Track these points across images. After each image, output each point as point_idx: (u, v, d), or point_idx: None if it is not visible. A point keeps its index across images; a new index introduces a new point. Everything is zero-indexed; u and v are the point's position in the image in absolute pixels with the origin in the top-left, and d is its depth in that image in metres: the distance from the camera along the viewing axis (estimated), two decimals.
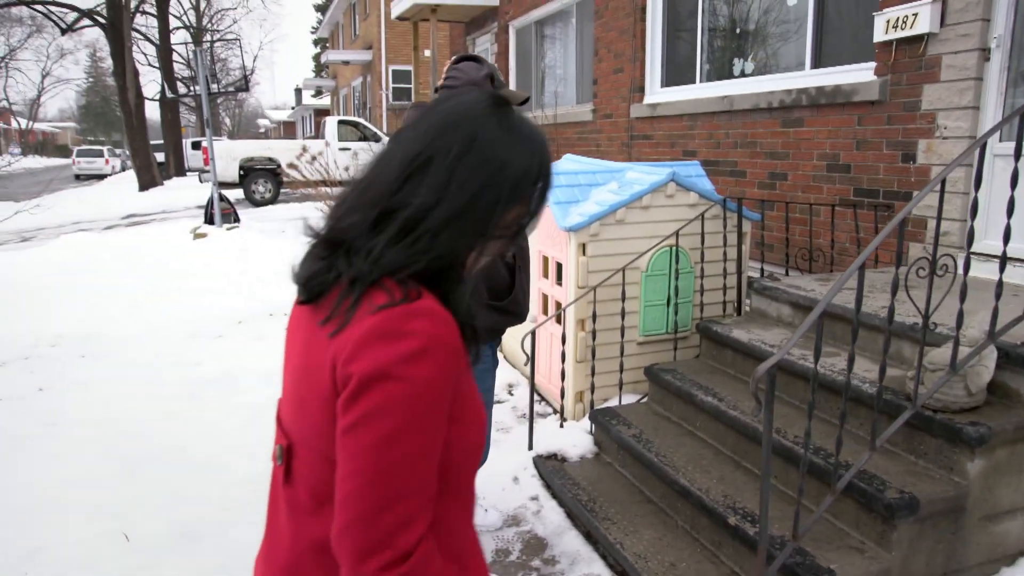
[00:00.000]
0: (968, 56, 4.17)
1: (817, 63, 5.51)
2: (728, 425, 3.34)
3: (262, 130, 65.30)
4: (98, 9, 22.65)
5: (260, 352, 5.73)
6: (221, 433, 4.30)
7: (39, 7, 23.88)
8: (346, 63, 27.54)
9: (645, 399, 4.04)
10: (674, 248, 4.18)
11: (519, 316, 2.84)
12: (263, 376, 5.20)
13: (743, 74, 6.35)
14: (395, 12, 12.51)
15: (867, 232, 4.71)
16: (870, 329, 3.30)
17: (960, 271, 2.71)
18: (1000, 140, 4.08)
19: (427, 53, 13.23)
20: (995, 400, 2.80)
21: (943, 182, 2.50)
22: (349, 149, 15.73)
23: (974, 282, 2.93)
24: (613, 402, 4.10)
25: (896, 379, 2.99)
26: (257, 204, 16.69)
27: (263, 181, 16.93)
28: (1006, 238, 2.67)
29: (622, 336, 4.03)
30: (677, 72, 7.29)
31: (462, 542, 1.14)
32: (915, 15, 4.39)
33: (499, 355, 3.06)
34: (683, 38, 7.20)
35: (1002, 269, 2.68)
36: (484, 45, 12.50)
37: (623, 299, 3.97)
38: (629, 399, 4.11)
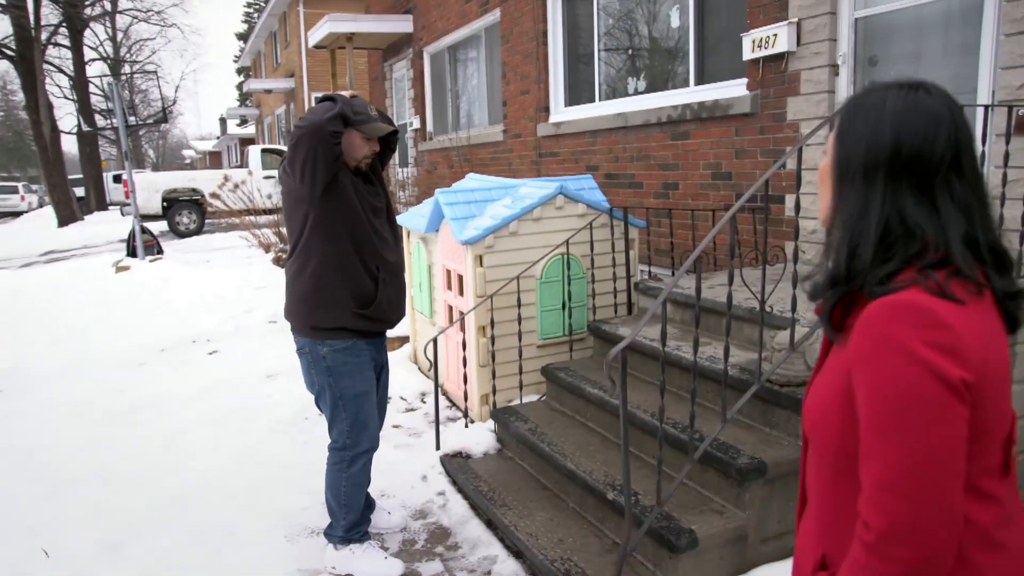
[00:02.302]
0: (821, 72, 4.63)
1: (700, 80, 5.96)
2: (613, 413, 3.66)
3: (187, 161, 64.14)
4: (5, 42, 22.19)
5: (182, 378, 5.85)
6: (146, 453, 4.44)
7: None
8: (269, 91, 27.51)
9: (544, 398, 4.35)
10: (566, 256, 4.51)
11: (385, 322, 3.15)
12: (185, 400, 5.34)
13: (636, 92, 6.78)
14: (312, 41, 12.70)
15: (748, 234, 5.13)
16: (731, 318, 3.66)
17: (793, 260, 3.08)
18: None
19: (347, 80, 13.45)
20: None
21: (766, 183, 2.87)
22: (273, 177, 15.80)
23: None
24: (516, 402, 4.39)
25: (754, 361, 3.34)
26: (182, 235, 16.58)
27: (187, 212, 16.85)
28: None
29: (520, 340, 4.34)
30: (578, 92, 7.69)
31: None
32: (775, 35, 4.84)
33: (387, 358, 3.38)
34: (582, 60, 7.62)
35: None
36: (401, 71, 12.79)
37: (519, 305, 4.28)
38: (530, 398, 4.41)
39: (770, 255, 4.80)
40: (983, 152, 3.51)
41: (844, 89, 4.57)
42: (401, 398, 5.08)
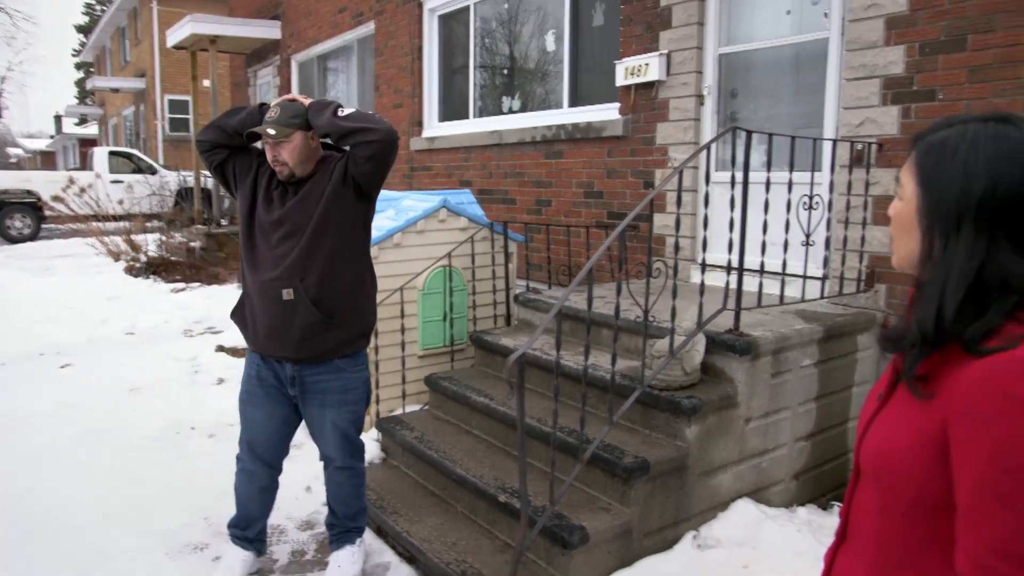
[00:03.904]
0: (688, 100, 4.98)
1: (574, 102, 6.24)
2: (499, 420, 3.78)
3: (14, 160, 59.01)
4: None
5: (32, 394, 5.42)
6: (9, 475, 4.10)
7: None
8: (116, 91, 25.92)
9: (427, 407, 4.40)
10: (448, 268, 4.60)
11: (252, 341, 3.01)
12: (39, 419, 4.95)
13: (511, 111, 6.99)
14: (171, 41, 12.14)
15: (615, 250, 5.40)
16: (611, 329, 3.87)
17: (671, 274, 3.32)
18: (716, 170, 4.89)
19: (206, 83, 12.94)
20: (707, 378, 3.44)
21: (651, 202, 3.09)
22: (122, 182, 14.96)
23: (703, 288, 3.57)
24: (399, 412, 4.42)
25: (635, 368, 3.56)
26: (14, 241, 15.34)
27: (20, 216, 15.60)
28: (703, 246, 3.33)
29: (403, 351, 4.38)
30: (453, 108, 7.83)
31: None
32: (647, 64, 5.16)
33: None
34: (458, 77, 7.76)
35: (703, 272, 3.34)
36: (266, 77, 12.47)
37: (402, 316, 4.33)
38: (413, 408, 4.46)
39: (638, 269, 5.10)
40: (831, 181, 3.91)
41: (709, 118, 4.94)
42: None
